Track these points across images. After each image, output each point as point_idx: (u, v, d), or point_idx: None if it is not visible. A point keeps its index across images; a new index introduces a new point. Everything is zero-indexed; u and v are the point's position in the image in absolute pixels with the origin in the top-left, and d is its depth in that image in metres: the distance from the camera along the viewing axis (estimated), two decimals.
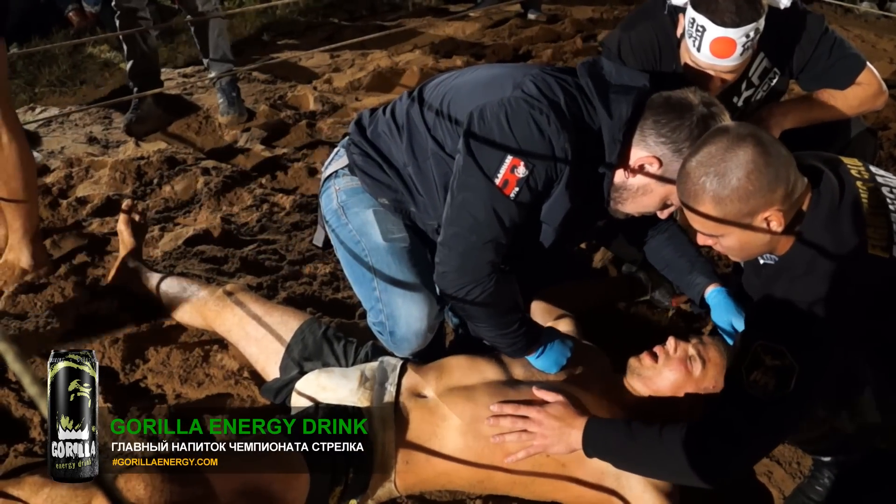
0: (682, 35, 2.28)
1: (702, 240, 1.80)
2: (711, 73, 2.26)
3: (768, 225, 1.66)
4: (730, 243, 1.75)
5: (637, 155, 1.96)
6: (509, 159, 1.90)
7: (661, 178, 1.95)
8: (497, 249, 2.00)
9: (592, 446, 1.86)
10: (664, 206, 2.03)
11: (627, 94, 1.95)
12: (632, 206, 2.05)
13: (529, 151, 1.90)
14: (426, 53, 5.15)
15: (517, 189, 1.92)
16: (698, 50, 2.22)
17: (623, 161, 1.98)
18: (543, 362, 2.13)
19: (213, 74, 4.22)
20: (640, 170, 1.96)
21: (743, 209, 1.65)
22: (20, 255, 2.70)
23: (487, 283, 2.01)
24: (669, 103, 1.93)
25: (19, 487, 1.91)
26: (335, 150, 2.42)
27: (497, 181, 1.92)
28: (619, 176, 2.00)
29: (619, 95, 1.95)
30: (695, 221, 1.74)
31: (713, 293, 2.25)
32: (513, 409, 1.94)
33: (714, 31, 2.16)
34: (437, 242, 2.07)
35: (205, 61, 4.24)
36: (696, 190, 1.67)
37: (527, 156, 1.90)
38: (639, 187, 2.00)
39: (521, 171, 1.91)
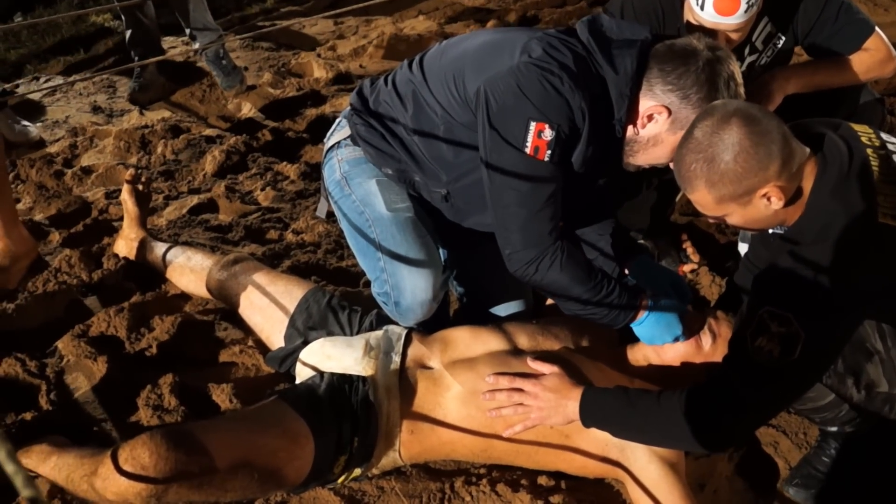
0: None
1: (710, 219, 1.80)
2: (715, 32, 2.22)
3: (768, 201, 1.65)
4: (735, 221, 1.74)
5: (645, 105, 1.94)
6: (533, 125, 1.88)
7: (671, 127, 1.94)
8: (552, 215, 1.99)
9: (590, 416, 1.85)
10: None
11: (630, 47, 1.93)
12: (643, 157, 2.03)
13: (550, 112, 1.88)
14: (431, 19, 5.09)
15: (549, 151, 1.90)
16: (702, 8, 2.19)
17: (632, 115, 1.96)
18: (647, 331, 2.05)
19: (197, 46, 4.17)
20: (650, 120, 1.95)
21: (737, 190, 1.63)
22: (10, 240, 2.71)
23: (557, 251, 2.00)
24: (673, 51, 1.91)
25: (27, 456, 1.93)
26: (337, 120, 2.39)
27: (527, 150, 1.90)
28: (630, 130, 1.99)
29: (622, 50, 1.92)
30: (696, 204, 1.74)
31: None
32: (508, 381, 1.94)
33: None
34: (495, 227, 2.04)
35: (187, 31, 4.19)
36: (689, 177, 1.67)
37: (549, 117, 1.88)
38: (649, 138, 1.98)
39: (548, 133, 1.88)
